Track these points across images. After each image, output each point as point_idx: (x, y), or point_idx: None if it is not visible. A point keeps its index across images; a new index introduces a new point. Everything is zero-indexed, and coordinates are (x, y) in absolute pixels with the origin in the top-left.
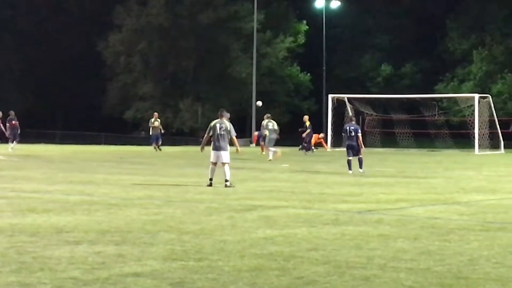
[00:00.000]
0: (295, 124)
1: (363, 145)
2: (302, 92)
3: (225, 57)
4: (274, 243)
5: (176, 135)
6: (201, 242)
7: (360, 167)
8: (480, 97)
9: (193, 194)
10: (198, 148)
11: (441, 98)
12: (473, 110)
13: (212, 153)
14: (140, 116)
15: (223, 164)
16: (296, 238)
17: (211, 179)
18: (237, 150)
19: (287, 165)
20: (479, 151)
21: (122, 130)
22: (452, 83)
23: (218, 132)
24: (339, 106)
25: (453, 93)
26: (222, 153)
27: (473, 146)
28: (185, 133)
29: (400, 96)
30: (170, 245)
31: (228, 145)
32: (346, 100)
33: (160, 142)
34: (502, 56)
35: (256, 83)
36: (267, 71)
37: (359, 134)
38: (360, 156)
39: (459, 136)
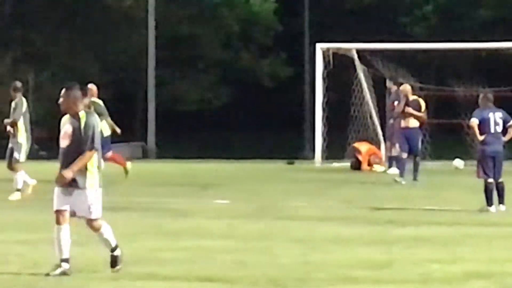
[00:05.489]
0: (244, 106)
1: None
2: (257, 39)
3: None
4: None
5: None
6: None
7: (502, 201)
8: None
9: None
10: None
11: None
12: None
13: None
14: None
15: (89, 220)
16: None
17: (64, 260)
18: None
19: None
20: None
21: None
22: None
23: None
24: (339, 68)
25: None
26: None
27: None
28: None
29: (475, 46)
30: None
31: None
32: (355, 56)
33: None
34: None
35: (157, 22)
36: None
37: None
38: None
39: None
